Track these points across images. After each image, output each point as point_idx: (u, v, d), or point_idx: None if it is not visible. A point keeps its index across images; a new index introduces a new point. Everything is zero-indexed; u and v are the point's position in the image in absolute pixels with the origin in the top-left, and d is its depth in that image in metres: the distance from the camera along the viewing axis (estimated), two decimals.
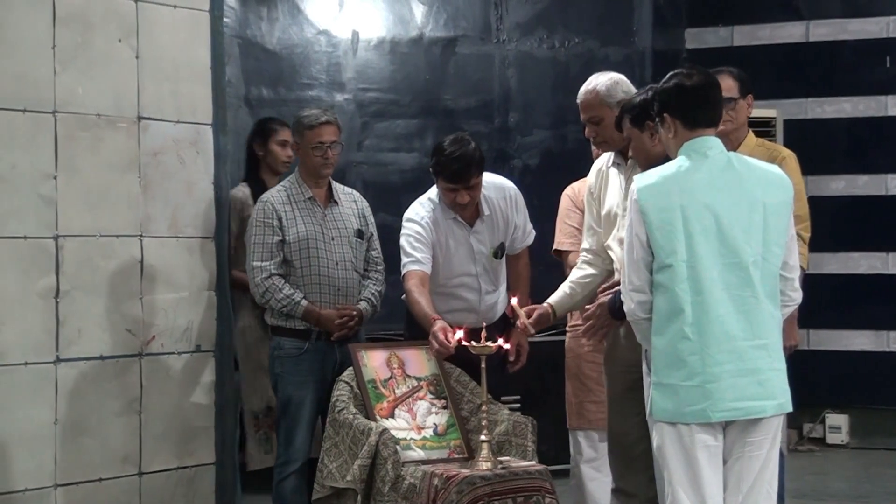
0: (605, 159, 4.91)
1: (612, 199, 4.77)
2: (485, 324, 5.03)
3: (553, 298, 4.96)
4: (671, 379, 3.95)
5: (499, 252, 5.40)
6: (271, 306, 5.45)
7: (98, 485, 5.43)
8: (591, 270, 4.90)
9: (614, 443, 4.70)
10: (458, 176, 5.18)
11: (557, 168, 8.10)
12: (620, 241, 4.60)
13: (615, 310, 4.50)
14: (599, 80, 4.86)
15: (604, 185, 4.83)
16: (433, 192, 5.37)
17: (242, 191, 6.22)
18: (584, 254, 4.94)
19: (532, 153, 8.66)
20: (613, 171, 4.81)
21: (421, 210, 5.33)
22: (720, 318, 3.92)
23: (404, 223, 5.33)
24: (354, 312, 5.47)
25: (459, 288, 5.35)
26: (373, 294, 5.59)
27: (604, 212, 4.81)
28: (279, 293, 5.40)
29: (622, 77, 4.89)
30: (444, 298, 5.29)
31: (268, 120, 6.52)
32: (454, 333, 4.89)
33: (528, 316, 4.87)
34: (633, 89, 4.84)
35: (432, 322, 4.97)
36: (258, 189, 6.04)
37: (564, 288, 4.95)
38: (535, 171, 8.53)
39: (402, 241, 5.27)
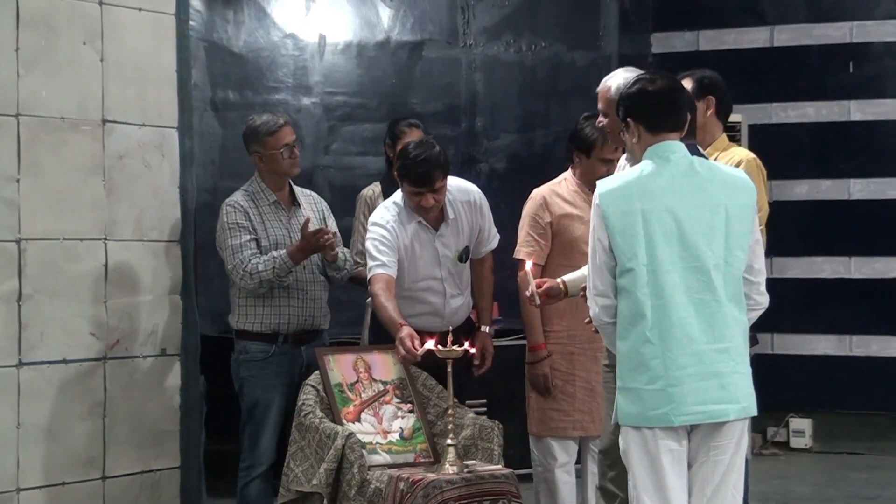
0: (623, 160, 4.84)
1: None
2: (451, 327, 5.03)
3: (568, 276, 4.84)
4: (635, 383, 3.95)
5: (463, 256, 5.41)
6: (269, 280, 5.36)
7: (61, 488, 5.41)
8: None
9: (603, 442, 4.71)
10: (422, 179, 5.19)
11: (524, 172, 8.11)
12: None
13: None
14: (615, 80, 4.67)
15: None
16: (398, 195, 5.37)
17: (373, 189, 6.26)
18: None
19: (499, 157, 8.67)
20: (627, 166, 4.76)
21: (386, 214, 5.33)
22: (681, 322, 3.92)
23: (369, 227, 5.33)
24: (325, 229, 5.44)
25: (425, 292, 5.36)
26: (343, 253, 5.58)
27: None
28: (262, 265, 5.35)
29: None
30: (410, 302, 5.29)
31: (397, 122, 6.48)
32: (422, 342, 4.88)
33: (539, 287, 4.81)
34: None
35: (399, 328, 4.97)
36: (391, 190, 6.03)
37: (583, 270, 4.85)
38: (502, 175, 8.54)
39: (368, 245, 5.27)
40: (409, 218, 5.30)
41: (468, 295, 5.51)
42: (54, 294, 5.40)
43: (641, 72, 4.48)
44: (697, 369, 3.91)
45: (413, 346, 4.88)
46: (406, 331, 4.93)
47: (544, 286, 4.78)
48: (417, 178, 5.19)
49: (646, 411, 3.93)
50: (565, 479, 5.56)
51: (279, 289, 5.44)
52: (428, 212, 5.27)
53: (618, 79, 4.68)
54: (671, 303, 3.92)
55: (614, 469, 4.55)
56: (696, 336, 3.92)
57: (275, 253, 5.38)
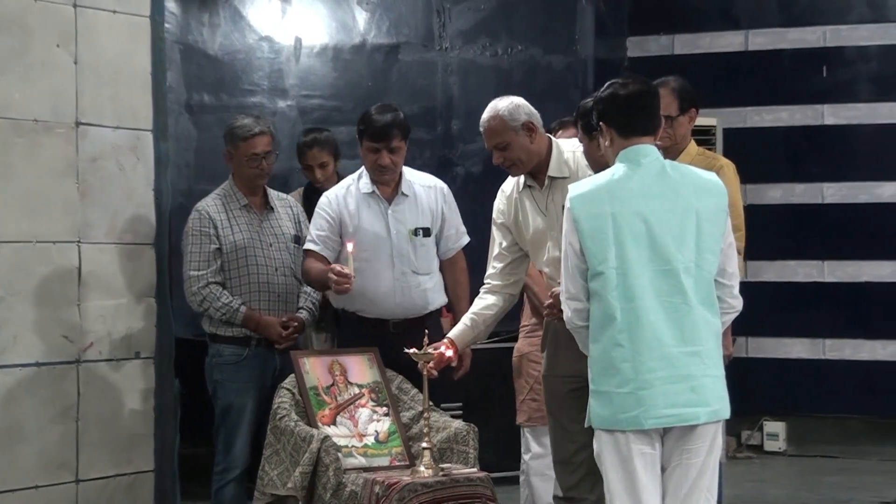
0: (511, 185, 4.90)
1: (536, 222, 4.76)
2: (427, 331, 5.01)
3: (454, 332, 4.95)
4: (606, 386, 3.96)
5: (419, 232, 5.39)
6: (210, 315, 5.43)
7: (34, 492, 5.39)
8: (492, 300, 4.89)
9: (557, 453, 4.71)
10: (380, 134, 5.26)
11: (500, 176, 8.07)
12: (552, 262, 4.63)
13: None
14: (500, 106, 4.79)
15: (520, 210, 4.81)
16: (359, 171, 5.42)
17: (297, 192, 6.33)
18: (487, 282, 4.94)
19: (475, 160, 8.67)
20: (527, 195, 4.81)
21: (339, 186, 5.43)
22: (651, 325, 3.92)
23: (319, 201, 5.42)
24: (296, 323, 5.47)
25: (369, 262, 5.27)
26: (313, 303, 5.60)
27: (529, 237, 4.80)
28: (217, 301, 5.38)
29: (522, 100, 4.83)
30: (357, 276, 5.13)
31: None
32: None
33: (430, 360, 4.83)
34: (534, 111, 4.81)
35: (328, 270, 5.06)
36: (309, 201, 6.08)
37: (465, 320, 4.94)
38: (478, 179, 8.53)
39: (311, 222, 5.38)
40: (361, 187, 5.35)
41: (434, 282, 5.43)
42: (27, 297, 5.38)
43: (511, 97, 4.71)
44: (667, 372, 3.92)
45: (342, 270, 4.96)
46: (334, 266, 5.05)
47: (437, 356, 4.83)
48: (375, 133, 5.26)
49: (617, 414, 3.94)
50: (542, 472, 5.58)
51: (251, 292, 5.44)
52: (384, 172, 5.29)
53: (503, 101, 4.78)
54: (641, 306, 3.93)
55: (576, 474, 4.57)
56: (665, 339, 3.93)
57: (236, 305, 5.39)
